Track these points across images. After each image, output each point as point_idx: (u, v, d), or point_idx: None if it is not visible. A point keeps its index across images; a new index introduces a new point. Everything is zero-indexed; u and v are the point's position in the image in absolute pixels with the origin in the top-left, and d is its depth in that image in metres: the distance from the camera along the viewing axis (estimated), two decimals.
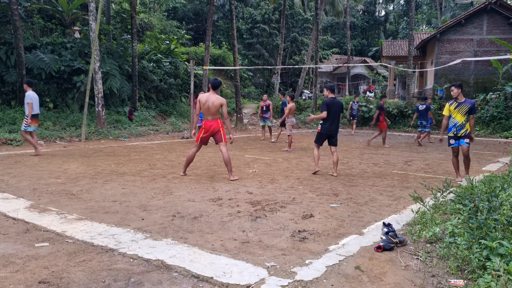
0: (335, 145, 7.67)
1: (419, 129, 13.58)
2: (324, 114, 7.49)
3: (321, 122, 7.68)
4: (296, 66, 29.38)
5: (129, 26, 20.50)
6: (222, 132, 6.97)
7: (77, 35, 18.86)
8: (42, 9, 18.77)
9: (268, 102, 14.18)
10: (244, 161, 9.26)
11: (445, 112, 7.14)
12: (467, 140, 6.99)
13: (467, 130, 6.95)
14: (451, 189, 4.39)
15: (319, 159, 7.83)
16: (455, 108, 6.99)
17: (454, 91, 6.98)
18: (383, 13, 61.90)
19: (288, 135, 11.67)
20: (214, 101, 6.82)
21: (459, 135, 6.99)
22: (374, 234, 4.11)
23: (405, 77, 29.76)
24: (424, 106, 13.37)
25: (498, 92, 19.79)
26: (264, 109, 14.10)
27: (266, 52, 35.71)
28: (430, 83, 26.83)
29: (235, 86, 20.54)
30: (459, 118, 6.95)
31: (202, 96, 6.95)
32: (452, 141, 7.09)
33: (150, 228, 4.22)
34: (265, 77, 36.80)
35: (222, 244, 3.77)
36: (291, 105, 11.76)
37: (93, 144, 12.17)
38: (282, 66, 30.10)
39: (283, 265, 3.28)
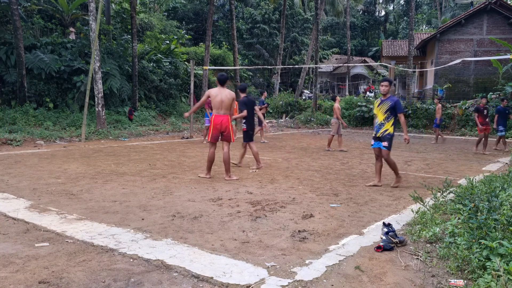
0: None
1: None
2: (245, 112, 7.96)
3: (244, 121, 8.23)
4: (296, 66, 29.38)
5: (129, 26, 20.50)
6: (231, 130, 7.02)
7: (72, 36, 18.84)
8: (42, 9, 18.77)
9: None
10: (244, 161, 9.25)
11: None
12: (385, 144, 6.44)
13: (386, 130, 6.40)
14: (451, 189, 4.39)
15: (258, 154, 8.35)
16: (378, 106, 6.58)
17: (382, 87, 6.49)
18: (383, 13, 61.89)
19: (333, 135, 11.70)
20: (227, 95, 6.88)
21: (378, 135, 6.52)
22: (374, 234, 4.11)
23: (405, 77, 29.72)
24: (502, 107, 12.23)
25: (498, 92, 19.79)
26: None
27: (266, 52, 35.71)
28: (430, 83, 26.83)
29: (235, 86, 20.54)
30: (380, 117, 6.50)
31: (212, 90, 6.96)
32: (372, 142, 6.71)
33: (150, 228, 4.22)
34: (265, 77, 36.79)
35: (222, 244, 3.77)
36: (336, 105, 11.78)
37: (93, 144, 12.17)
38: (282, 66, 30.11)
39: (283, 265, 3.28)
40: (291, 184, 6.64)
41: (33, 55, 15.24)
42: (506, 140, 15.83)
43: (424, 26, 53.52)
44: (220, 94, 6.85)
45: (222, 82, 6.94)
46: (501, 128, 12.28)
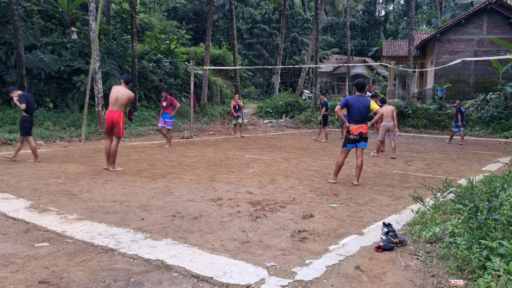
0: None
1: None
2: (23, 106, 8.13)
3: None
4: (296, 66, 29.38)
5: (129, 26, 20.50)
6: (121, 125, 7.56)
7: (74, 36, 18.85)
8: (42, 9, 18.77)
9: (239, 102, 15.58)
10: (244, 161, 9.25)
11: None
12: None
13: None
14: (451, 189, 4.39)
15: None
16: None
17: None
18: (383, 13, 61.91)
19: (379, 140, 10.81)
20: (124, 94, 7.51)
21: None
22: (374, 234, 4.10)
23: (405, 77, 29.74)
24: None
25: (498, 92, 19.79)
26: (237, 108, 15.47)
27: (266, 52, 35.71)
28: (430, 83, 26.83)
29: (235, 86, 20.56)
30: None
31: (114, 87, 7.70)
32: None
33: (150, 228, 4.22)
34: (265, 77, 36.81)
35: (222, 244, 3.76)
36: (385, 108, 10.35)
37: (93, 144, 12.16)
38: (282, 66, 30.11)
39: (283, 265, 3.28)
40: (291, 184, 6.64)
41: (33, 55, 15.24)
42: (506, 140, 15.83)
43: (424, 26, 53.53)
44: (117, 92, 7.50)
45: (126, 82, 7.64)
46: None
